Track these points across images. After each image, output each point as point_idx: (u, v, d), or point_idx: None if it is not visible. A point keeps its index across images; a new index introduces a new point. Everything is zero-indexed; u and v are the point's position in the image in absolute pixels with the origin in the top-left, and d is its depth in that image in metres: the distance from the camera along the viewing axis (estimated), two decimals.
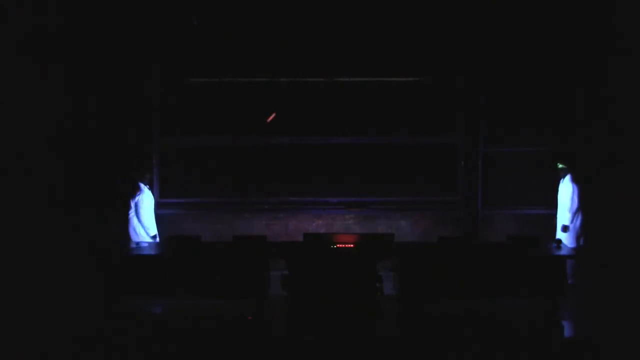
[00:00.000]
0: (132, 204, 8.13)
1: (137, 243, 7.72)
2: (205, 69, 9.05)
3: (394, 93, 9.20)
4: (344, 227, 9.23)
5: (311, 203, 9.30)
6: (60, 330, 6.60)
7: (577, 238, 8.24)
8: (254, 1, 8.73)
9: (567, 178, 8.35)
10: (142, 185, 8.18)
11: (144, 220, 8.11)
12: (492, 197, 9.20)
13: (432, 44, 8.94)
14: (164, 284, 6.90)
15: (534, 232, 8.04)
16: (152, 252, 7.22)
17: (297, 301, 6.61)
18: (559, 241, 7.43)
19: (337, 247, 6.75)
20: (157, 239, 8.20)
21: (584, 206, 8.25)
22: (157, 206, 9.07)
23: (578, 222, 8.26)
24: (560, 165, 8.42)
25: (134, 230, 8.15)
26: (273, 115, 7.14)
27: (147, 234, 8.14)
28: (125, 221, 8.16)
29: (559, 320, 6.92)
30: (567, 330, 6.85)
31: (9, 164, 8.42)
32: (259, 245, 7.12)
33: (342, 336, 6.44)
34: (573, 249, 7.93)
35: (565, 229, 8.21)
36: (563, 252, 7.12)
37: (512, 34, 8.81)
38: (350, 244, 6.81)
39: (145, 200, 8.14)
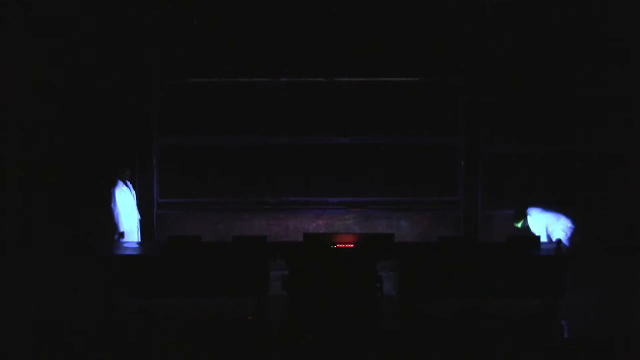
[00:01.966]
0: None
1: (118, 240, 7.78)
2: (205, 69, 9.05)
3: (394, 93, 9.20)
4: (344, 227, 9.22)
5: (311, 203, 9.29)
6: (60, 330, 6.60)
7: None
8: (254, 1, 8.73)
9: (534, 217, 7.91)
10: (119, 181, 8.11)
11: (114, 216, 8.03)
12: (492, 197, 9.19)
13: (432, 44, 8.93)
14: (164, 284, 6.90)
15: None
16: (152, 252, 7.22)
17: (297, 301, 6.61)
18: (559, 241, 7.41)
19: (337, 247, 6.74)
20: (125, 238, 8.03)
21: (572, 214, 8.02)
22: (157, 206, 9.07)
23: (569, 232, 7.90)
24: (519, 223, 7.97)
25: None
26: None
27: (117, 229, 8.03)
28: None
29: (559, 320, 6.92)
30: (567, 330, 6.85)
31: (9, 164, 8.44)
32: (259, 245, 7.12)
33: (342, 336, 6.44)
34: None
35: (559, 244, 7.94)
36: (563, 252, 7.11)
37: (513, 33, 8.81)
38: (350, 244, 6.81)
39: (118, 196, 8.06)
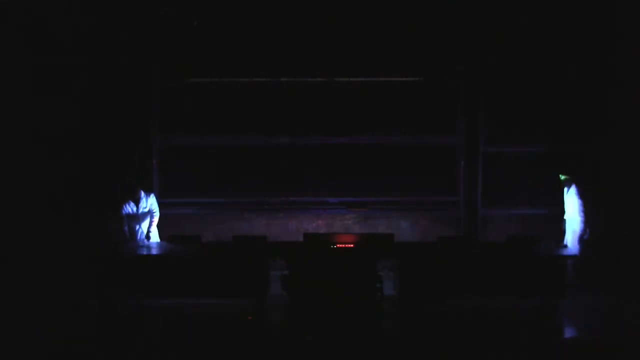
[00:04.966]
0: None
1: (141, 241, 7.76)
2: (205, 69, 9.05)
3: (394, 93, 9.20)
4: (344, 227, 9.23)
5: (311, 203, 9.29)
6: (60, 330, 6.60)
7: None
8: (254, 1, 8.73)
9: (573, 189, 8.07)
10: (129, 199, 7.99)
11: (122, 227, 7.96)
12: (492, 197, 9.20)
13: (433, 44, 8.93)
14: (164, 284, 6.90)
15: (534, 232, 8.05)
16: (152, 252, 7.22)
17: (297, 301, 6.61)
18: (560, 241, 7.41)
19: (337, 247, 6.74)
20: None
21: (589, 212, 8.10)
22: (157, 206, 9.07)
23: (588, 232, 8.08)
24: (562, 177, 8.16)
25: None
26: None
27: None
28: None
29: (558, 320, 6.92)
30: (567, 330, 6.85)
31: (10, 165, 8.43)
32: (259, 245, 7.12)
33: (342, 336, 6.44)
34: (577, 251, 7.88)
35: (581, 239, 7.97)
36: (563, 252, 7.12)
37: (514, 33, 8.81)
38: (350, 244, 6.81)
39: (127, 210, 7.95)
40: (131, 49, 8.77)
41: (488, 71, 9.04)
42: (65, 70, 8.62)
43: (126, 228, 7.95)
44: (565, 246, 7.46)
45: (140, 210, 8.00)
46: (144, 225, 8.07)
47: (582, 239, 7.95)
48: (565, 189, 8.19)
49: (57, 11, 8.44)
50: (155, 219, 8.13)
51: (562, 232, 8.23)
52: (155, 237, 8.14)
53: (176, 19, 8.75)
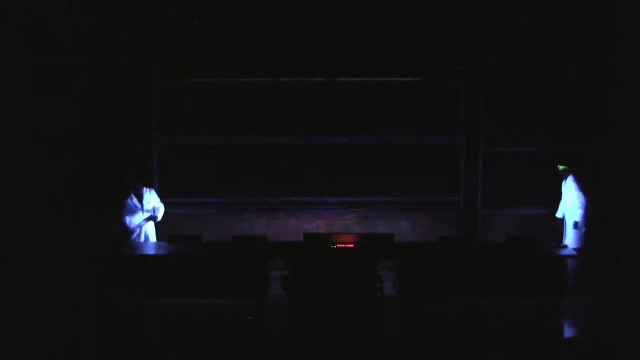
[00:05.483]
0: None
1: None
2: (205, 69, 9.05)
3: (394, 93, 9.20)
4: (344, 227, 9.22)
5: (311, 203, 9.29)
6: (60, 330, 6.60)
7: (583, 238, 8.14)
8: (254, 1, 8.73)
9: (570, 179, 8.24)
10: (131, 193, 7.95)
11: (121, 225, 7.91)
12: (492, 197, 9.19)
13: (433, 44, 8.93)
14: (164, 284, 6.90)
15: (534, 232, 8.04)
16: (152, 252, 7.22)
17: (297, 301, 6.61)
18: (560, 241, 7.42)
19: (337, 247, 6.75)
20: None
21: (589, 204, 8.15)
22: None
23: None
24: (561, 167, 8.32)
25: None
26: None
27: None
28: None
29: (558, 321, 6.92)
30: (567, 330, 6.85)
31: (10, 165, 8.43)
32: (259, 245, 7.12)
33: (342, 336, 6.44)
34: (576, 249, 7.88)
35: (576, 225, 8.10)
36: (563, 252, 7.12)
37: (514, 33, 8.81)
38: (350, 244, 6.81)
39: (128, 207, 7.92)
40: (131, 49, 8.77)
41: (488, 71, 9.03)
42: (65, 70, 8.61)
43: (126, 225, 7.93)
44: (565, 246, 7.45)
45: (145, 207, 8.00)
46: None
47: (582, 227, 7.99)
48: (564, 181, 8.26)
49: (57, 11, 8.43)
50: (161, 211, 8.14)
51: (558, 232, 8.26)
52: (152, 236, 8.14)
53: (176, 19, 8.75)
